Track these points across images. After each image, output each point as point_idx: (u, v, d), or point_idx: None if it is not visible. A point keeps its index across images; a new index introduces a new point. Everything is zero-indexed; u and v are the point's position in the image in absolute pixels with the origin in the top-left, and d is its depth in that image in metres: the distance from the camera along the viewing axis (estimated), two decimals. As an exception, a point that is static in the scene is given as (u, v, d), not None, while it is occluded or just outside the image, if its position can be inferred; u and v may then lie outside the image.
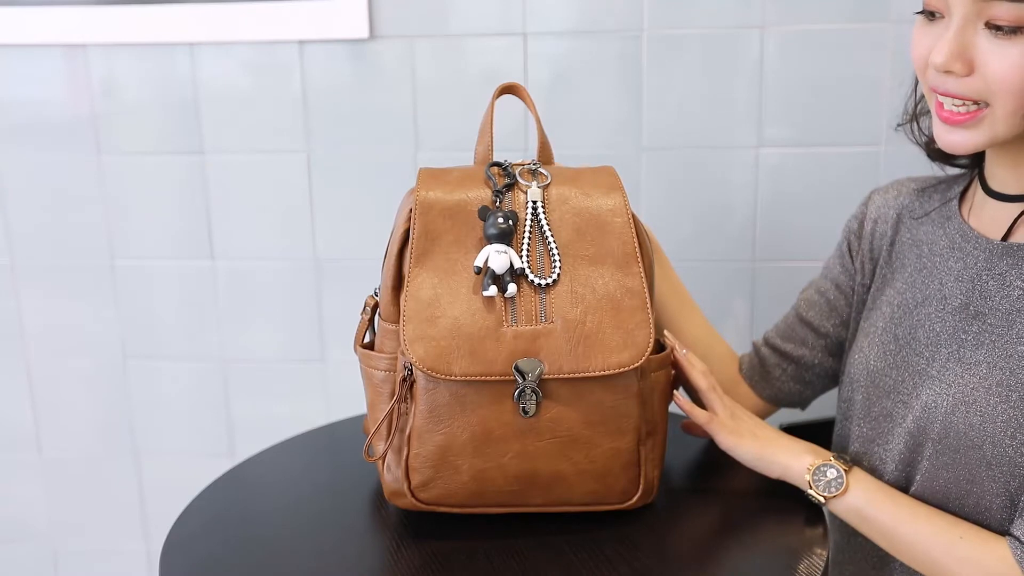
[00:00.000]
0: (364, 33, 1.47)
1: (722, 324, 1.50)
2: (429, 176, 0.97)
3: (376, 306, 0.99)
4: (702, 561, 0.92)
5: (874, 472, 1.03)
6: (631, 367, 0.90)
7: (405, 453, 0.93)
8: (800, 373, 1.18)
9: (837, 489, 0.97)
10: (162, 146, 1.57)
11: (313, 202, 1.56)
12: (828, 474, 0.98)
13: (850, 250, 1.15)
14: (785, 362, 1.18)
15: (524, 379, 0.89)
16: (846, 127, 1.44)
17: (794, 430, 1.09)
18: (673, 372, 1.04)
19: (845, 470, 0.98)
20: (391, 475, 0.95)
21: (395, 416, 0.94)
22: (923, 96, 1.02)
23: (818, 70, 1.43)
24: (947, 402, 0.96)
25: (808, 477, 0.99)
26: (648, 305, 0.92)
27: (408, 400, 0.93)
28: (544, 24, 1.45)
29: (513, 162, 0.98)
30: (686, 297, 1.20)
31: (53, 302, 1.66)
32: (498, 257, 0.90)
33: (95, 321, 1.65)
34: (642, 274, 0.93)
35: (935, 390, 0.97)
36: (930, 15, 0.91)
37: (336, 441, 1.20)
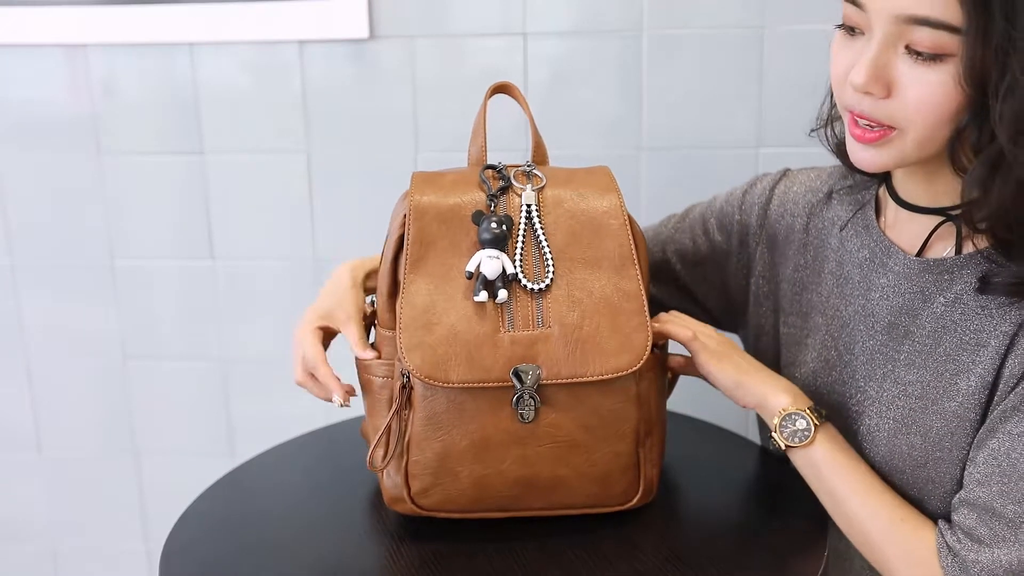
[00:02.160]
0: (364, 33, 1.47)
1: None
2: (423, 180, 0.96)
3: (374, 312, 0.98)
4: (702, 561, 0.92)
5: None
6: (629, 371, 0.90)
7: (404, 460, 0.93)
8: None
9: (801, 441, 0.96)
10: (162, 146, 1.57)
11: (313, 202, 1.56)
12: (798, 424, 0.96)
13: (744, 229, 1.13)
14: None
15: (522, 385, 0.88)
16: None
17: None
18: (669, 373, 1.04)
19: (816, 424, 0.96)
20: (391, 481, 0.95)
21: (395, 424, 0.94)
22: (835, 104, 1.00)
23: (818, 70, 1.43)
24: (888, 425, 0.96)
25: (777, 420, 0.97)
26: (645, 308, 0.91)
27: (407, 408, 0.92)
28: (544, 24, 1.45)
29: (507, 164, 0.97)
30: None
31: (53, 302, 1.66)
32: (490, 262, 0.89)
33: (95, 321, 1.65)
34: (639, 276, 0.92)
35: (876, 411, 0.97)
36: (850, 30, 0.88)
37: (336, 442, 1.20)
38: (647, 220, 1.29)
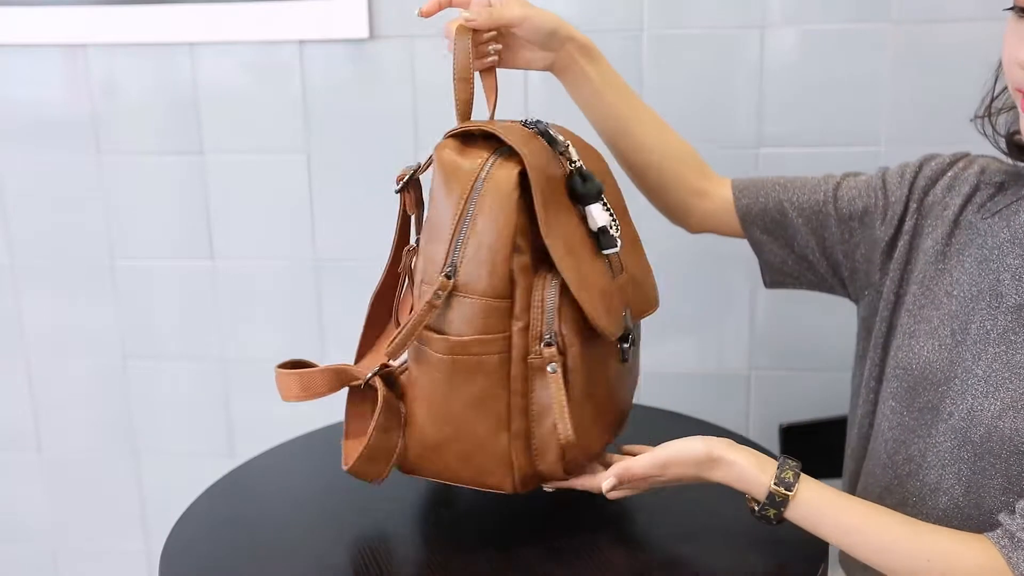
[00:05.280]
0: (364, 33, 1.47)
1: (722, 321, 1.50)
2: (520, 142, 0.89)
3: (452, 289, 0.88)
4: (702, 561, 0.92)
5: (910, 463, 1.00)
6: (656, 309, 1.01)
7: (571, 422, 0.87)
8: (787, 254, 1.12)
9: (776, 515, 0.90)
10: (162, 146, 1.57)
11: (313, 202, 1.56)
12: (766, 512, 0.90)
13: (909, 196, 1.07)
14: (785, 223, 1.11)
15: (627, 327, 0.94)
16: (846, 127, 1.44)
17: (794, 430, 1.08)
18: None
19: (776, 511, 0.89)
20: (543, 462, 0.91)
21: (529, 402, 0.89)
22: (1001, 92, 0.99)
23: (818, 70, 1.43)
24: (995, 406, 0.93)
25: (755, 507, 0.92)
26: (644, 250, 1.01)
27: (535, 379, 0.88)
28: (544, 24, 1.45)
29: (506, 120, 0.95)
30: (633, 98, 1.14)
31: (53, 302, 1.66)
32: (603, 214, 0.92)
33: (95, 321, 1.66)
34: (631, 223, 0.99)
35: (981, 390, 0.94)
36: (1022, 11, 0.88)
37: (336, 443, 1.20)
38: (647, 219, 1.28)
